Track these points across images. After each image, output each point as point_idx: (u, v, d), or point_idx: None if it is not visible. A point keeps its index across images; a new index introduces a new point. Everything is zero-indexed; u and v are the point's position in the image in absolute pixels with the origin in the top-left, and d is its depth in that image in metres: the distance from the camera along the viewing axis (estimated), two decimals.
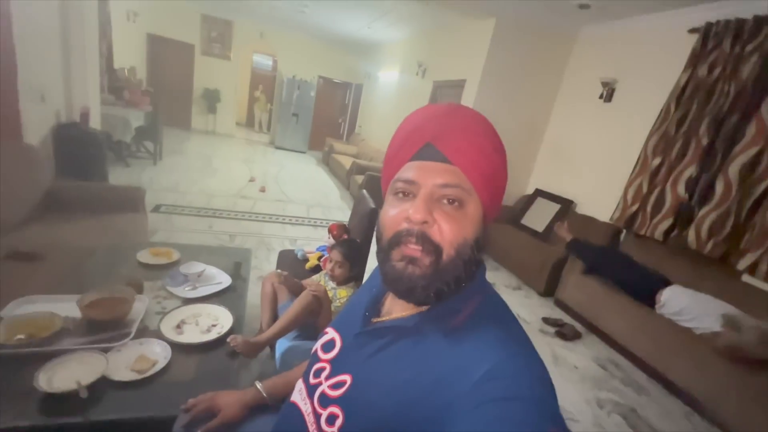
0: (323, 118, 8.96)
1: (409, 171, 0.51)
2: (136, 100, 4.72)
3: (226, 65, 7.81)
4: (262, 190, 4.77)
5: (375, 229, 0.58)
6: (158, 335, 1.14)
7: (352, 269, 1.52)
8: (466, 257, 0.49)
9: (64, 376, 0.92)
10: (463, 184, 0.49)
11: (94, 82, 3.15)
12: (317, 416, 0.56)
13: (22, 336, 1.02)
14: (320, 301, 1.39)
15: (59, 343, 1.04)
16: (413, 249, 0.49)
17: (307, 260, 2.02)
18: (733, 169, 2.38)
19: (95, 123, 3.17)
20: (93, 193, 2.34)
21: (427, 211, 0.48)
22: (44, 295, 1.23)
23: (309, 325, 1.42)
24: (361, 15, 5.51)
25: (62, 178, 2.53)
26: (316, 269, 1.94)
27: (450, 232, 0.48)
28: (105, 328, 1.12)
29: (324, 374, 0.59)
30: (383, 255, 0.52)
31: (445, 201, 0.49)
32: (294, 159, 7.58)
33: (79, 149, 2.74)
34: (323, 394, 0.57)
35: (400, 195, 0.52)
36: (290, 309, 1.35)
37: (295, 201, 4.66)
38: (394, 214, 0.51)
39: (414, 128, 0.53)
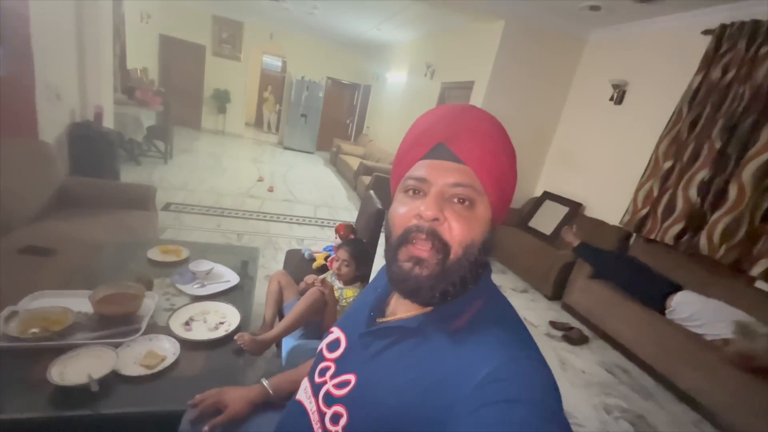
0: (331, 119, 9.00)
1: (421, 169, 0.52)
2: (147, 100, 4.80)
3: (236, 66, 7.90)
4: (270, 189, 4.81)
5: (383, 227, 0.58)
6: (167, 331, 1.15)
7: (358, 269, 1.53)
8: (472, 258, 0.49)
9: (76, 369, 0.94)
10: (475, 184, 0.49)
11: (108, 82, 3.21)
12: (322, 415, 0.56)
13: (35, 330, 1.04)
14: (326, 299, 1.40)
15: (71, 338, 1.06)
16: (421, 249, 0.49)
17: (314, 260, 2.03)
18: (747, 173, 2.34)
19: (108, 122, 3.22)
20: (105, 191, 2.38)
21: (439, 209, 0.48)
22: (57, 290, 1.25)
23: (314, 323, 1.43)
24: (370, 16, 5.53)
25: (76, 175, 2.58)
26: (323, 269, 1.95)
27: (459, 232, 0.48)
28: (115, 323, 1.14)
29: (329, 373, 0.60)
30: (391, 254, 0.53)
31: (455, 200, 0.49)
32: (302, 159, 7.63)
33: (92, 147, 2.80)
34: (328, 393, 0.57)
35: (411, 193, 0.52)
36: (297, 306, 1.36)
37: (303, 201, 4.69)
38: (405, 211, 0.51)
39: (427, 128, 0.54)
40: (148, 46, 6.66)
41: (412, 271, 0.49)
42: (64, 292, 1.25)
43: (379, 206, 1.86)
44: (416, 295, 0.51)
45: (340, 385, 0.56)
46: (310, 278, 1.55)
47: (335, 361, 0.61)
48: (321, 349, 0.66)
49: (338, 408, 0.54)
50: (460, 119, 0.52)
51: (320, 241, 3.48)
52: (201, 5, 7.08)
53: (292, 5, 5.71)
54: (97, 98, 3.01)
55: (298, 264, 2.01)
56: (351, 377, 0.56)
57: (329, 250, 2.06)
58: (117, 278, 1.38)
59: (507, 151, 0.52)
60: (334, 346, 0.64)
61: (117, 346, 1.04)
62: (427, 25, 5.26)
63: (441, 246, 0.48)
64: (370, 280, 0.75)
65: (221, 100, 7.96)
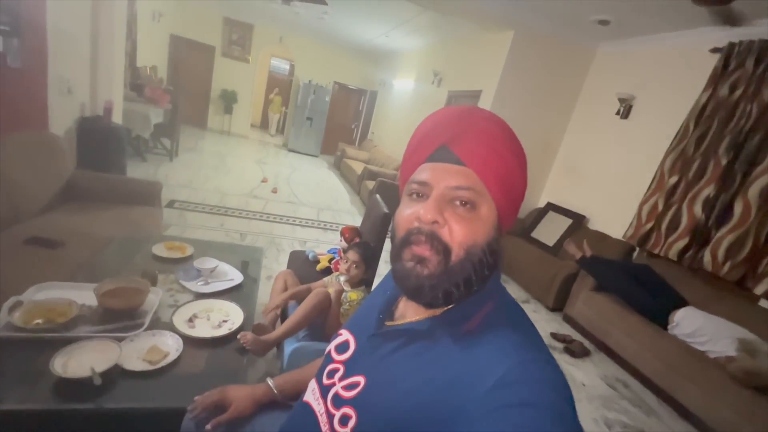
0: (337, 123, 9.05)
1: (423, 173, 0.52)
2: (156, 98, 4.83)
3: (245, 68, 7.96)
4: (274, 191, 4.81)
5: (389, 229, 0.58)
6: (170, 328, 1.15)
7: (366, 271, 1.53)
8: (476, 259, 0.49)
9: (79, 362, 0.93)
10: (477, 186, 0.49)
11: (119, 78, 3.24)
12: (330, 416, 0.56)
13: (40, 321, 1.04)
14: (330, 300, 1.39)
15: (75, 330, 1.06)
16: (422, 249, 0.49)
17: (317, 262, 2.03)
18: (753, 190, 2.34)
19: (117, 117, 3.24)
20: (112, 185, 2.39)
21: (438, 212, 0.48)
22: (62, 282, 1.25)
23: (317, 325, 1.42)
24: (380, 23, 5.59)
25: (83, 169, 2.59)
26: (327, 271, 1.94)
27: (460, 234, 0.48)
28: (119, 317, 1.14)
29: (337, 375, 0.59)
30: (395, 254, 0.53)
31: (457, 203, 0.49)
32: (306, 162, 7.65)
33: (100, 142, 2.81)
34: (336, 395, 0.57)
35: (414, 196, 0.52)
36: (301, 307, 1.35)
37: (306, 203, 4.69)
38: (408, 214, 0.52)
39: (430, 130, 0.54)
40: (158, 44, 6.72)
41: (414, 269, 0.50)
42: (69, 284, 1.25)
43: (386, 210, 1.86)
44: (419, 294, 0.51)
45: (349, 387, 0.56)
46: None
47: (344, 363, 0.61)
48: (329, 351, 0.65)
49: (347, 410, 0.53)
50: (463, 120, 0.52)
51: (323, 244, 3.48)
52: (213, 6, 7.15)
53: (302, 9, 5.77)
54: (108, 94, 3.03)
55: (302, 265, 2.01)
56: (360, 379, 0.55)
57: (333, 253, 2.06)
58: (122, 272, 1.38)
59: (513, 152, 0.52)
60: (342, 348, 0.63)
61: (120, 340, 1.04)
62: (436, 33, 5.31)
63: (441, 248, 0.48)
64: (375, 284, 0.75)
65: (228, 100, 8.01)
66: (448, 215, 0.49)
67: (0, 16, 1.81)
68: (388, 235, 0.56)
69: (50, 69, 2.27)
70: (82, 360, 0.94)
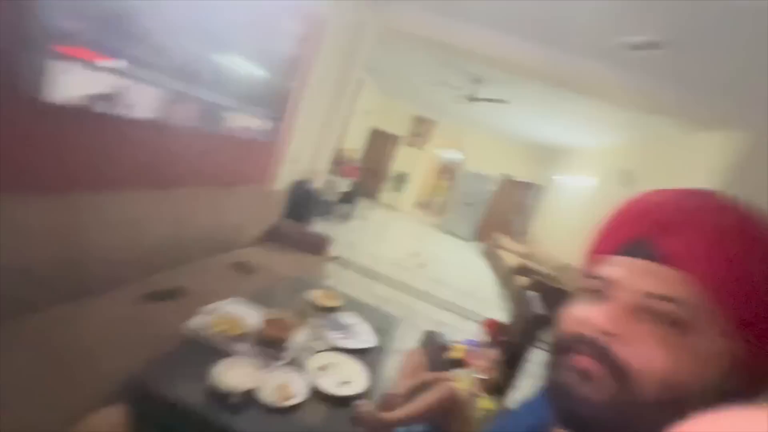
0: (496, 213, 8.95)
1: (610, 267, 0.38)
2: (347, 172, 5.94)
3: (420, 155, 9.06)
4: (423, 266, 4.94)
5: (544, 334, 0.45)
6: (303, 371, 1.21)
7: (506, 377, 1.30)
8: (680, 404, 0.31)
9: (231, 374, 1.06)
10: (690, 299, 0.32)
11: (328, 155, 4.15)
12: None
13: (219, 329, 1.26)
14: (457, 403, 1.21)
15: (238, 346, 1.23)
16: (585, 360, 0.35)
17: (450, 349, 1.86)
18: None
19: (317, 183, 4.08)
20: (299, 234, 2.93)
21: (617, 322, 0.34)
22: (247, 302, 1.51)
23: (438, 423, 1.25)
24: (562, 119, 5.51)
25: (284, 218, 3.28)
26: (457, 363, 1.75)
27: (654, 361, 0.32)
28: (270, 345, 1.27)
29: None
30: (551, 359, 0.39)
31: (658, 318, 0.34)
32: (458, 245, 7.70)
33: (301, 200, 3.55)
34: None
35: (591, 294, 0.39)
36: (424, 398, 1.22)
37: (450, 285, 4.60)
38: (577, 314, 0.38)
39: (631, 215, 0.40)
40: (359, 132, 8.43)
41: (575, 385, 0.35)
42: (249, 304, 1.50)
43: (539, 311, 1.60)
44: (572, 420, 0.36)
45: None
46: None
47: None
48: None
49: None
50: (680, 206, 0.37)
51: (458, 332, 3.24)
52: (409, 106, 8.65)
53: (485, 106, 6.27)
54: (318, 165, 3.89)
55: (432, 348, 1.88)
56: None
57: (470, 345, 1.87)
58: (283, 306, 1.58)
59: (762, 256, 0.34)
60: None
61: (264, 367, 1.14)
62: (628, 130, 4.83)
63: (614, 368, 0.33)
64: (511, 396, 0.59)
65: (400, 181, 9.17)
66: (638, 331, 0.34)
67: (273, 105, 2.60)
68: (539, 342, 0.43)
69: (291, 144, 3.09)
70: (235, 374, 1.06)
